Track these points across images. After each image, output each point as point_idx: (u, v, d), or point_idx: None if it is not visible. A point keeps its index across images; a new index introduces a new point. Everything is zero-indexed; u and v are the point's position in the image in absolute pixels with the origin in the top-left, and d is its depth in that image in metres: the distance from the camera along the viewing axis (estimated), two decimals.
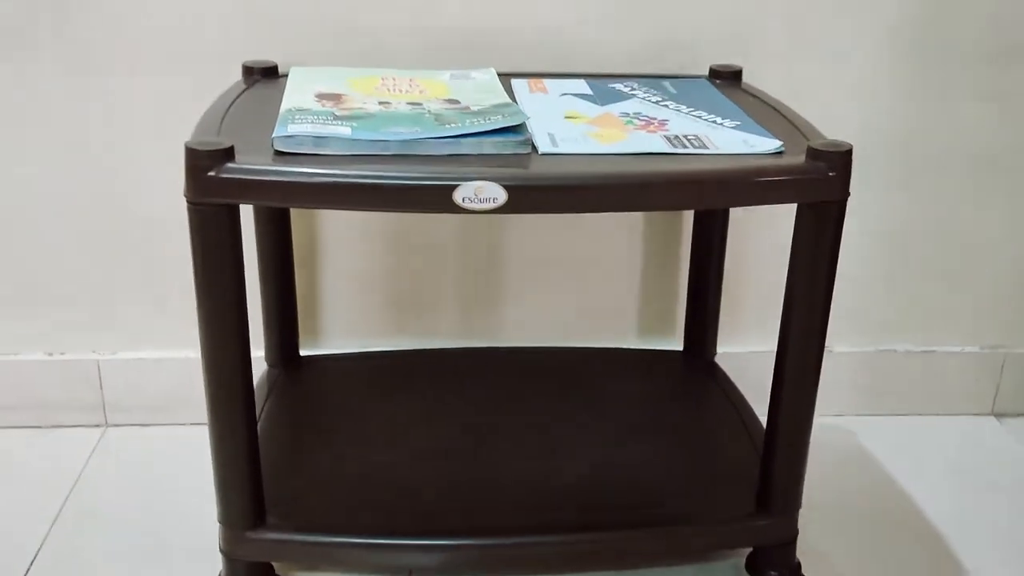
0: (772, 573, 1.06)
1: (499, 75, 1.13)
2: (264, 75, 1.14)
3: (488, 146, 0.90)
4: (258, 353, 1.13)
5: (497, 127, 0.91)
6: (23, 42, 1.19)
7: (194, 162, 0.84)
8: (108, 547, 1.14)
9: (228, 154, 0.84)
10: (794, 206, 0.92)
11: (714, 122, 1.00)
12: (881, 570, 1.14)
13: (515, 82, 1.14)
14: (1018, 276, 1.39)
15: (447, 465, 1.10)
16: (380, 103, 0.99)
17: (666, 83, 1.15)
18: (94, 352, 1.34)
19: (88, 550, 1.14)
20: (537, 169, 0.87)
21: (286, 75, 1.11)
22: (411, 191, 0.85)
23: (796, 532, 1.05)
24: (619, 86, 1.13)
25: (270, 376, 1.26)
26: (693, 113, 1.03)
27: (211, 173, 0.84)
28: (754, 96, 1.12)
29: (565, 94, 1.09)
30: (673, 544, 1.04)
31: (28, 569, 1.10)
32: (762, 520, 1.03)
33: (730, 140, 0.95)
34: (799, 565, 1.07)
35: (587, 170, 0.87)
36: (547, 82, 1.14)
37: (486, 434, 1.15)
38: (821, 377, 1.39)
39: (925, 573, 1.14)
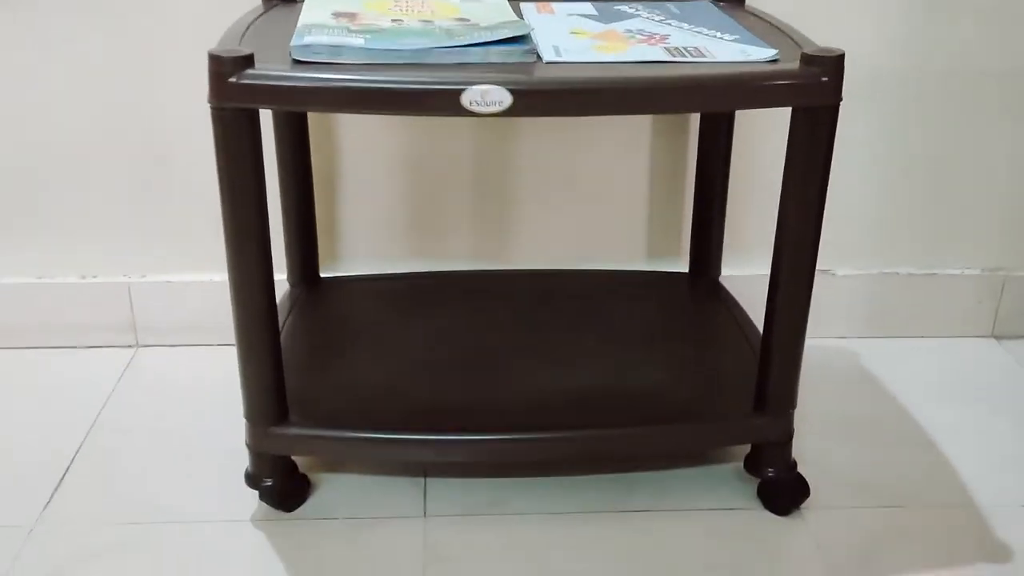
0: (769, 470, 1.11)
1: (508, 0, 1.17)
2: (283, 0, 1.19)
3: (494, 55, 0.95)
4: (280, 276, 1.19)
5: (503, 37, 0.96)
6: None
7: (217, 68, 0.89)
8: (141, 452, 1.21)
9: (248, 61, 0.90)
10: None
11: (714, 36, 1.04)
12: (876, 474, 1.19)
13: (524, 5, 1.18)
14: (1019, 200, 1.43)
15: (461, 373, 1.15)
16: (393, 20, 1.04)
17: (670, 5, 1.19)
18: (125, 276, 1.40)
19: (122, 454, 1.20)
20: (541, 74, 0.91)
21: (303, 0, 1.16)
22: (421, 95, 0.89)
23: (791, 431, 1.09)
24: (624, 7, 1.17)
25: (292, 295, 1.32)
26: (694, 29, 1.07)
27: (232, 79, 0.89)
28: (756, 16, 1.15)
29: (571, 14, 1.13)
30: (677, 440, 1.09)
31: (65, 472, 1.17)
32: (759, 418, 1.08)
33: (728, 51, 0.99)
34: (795, 463, 1.12)
35: (589, 75, 0.91)
36: (554, 4, 1.18)
37: (498, 347, 1.21)
38: (825, 300, 1.45)
39: (920, 477, 1.19)
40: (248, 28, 1.05)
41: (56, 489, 1.14)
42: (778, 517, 1.11)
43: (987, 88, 1.36)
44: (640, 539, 1.07)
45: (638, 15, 1.13)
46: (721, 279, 1.37)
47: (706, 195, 1.33)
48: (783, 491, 1.11)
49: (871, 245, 1.44)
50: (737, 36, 1.04)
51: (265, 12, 1.14)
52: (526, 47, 0.95)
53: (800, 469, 1.12)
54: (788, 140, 0.97)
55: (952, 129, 1.38)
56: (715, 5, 1.20)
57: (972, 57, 1.34)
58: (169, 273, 1.40)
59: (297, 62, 0.92)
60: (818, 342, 1.45)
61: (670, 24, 1.09)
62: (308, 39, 0.94)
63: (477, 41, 0.95)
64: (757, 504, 1.13)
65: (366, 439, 1.05)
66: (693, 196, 1.35)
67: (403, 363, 1.17)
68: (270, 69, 0.90)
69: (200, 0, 1.26)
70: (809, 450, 1.21)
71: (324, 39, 0.94)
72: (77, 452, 1.21)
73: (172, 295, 1.40)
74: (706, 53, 0.98)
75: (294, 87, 0.90)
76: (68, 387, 1.34)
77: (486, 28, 1.00)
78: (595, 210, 1.40)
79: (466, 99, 0.89)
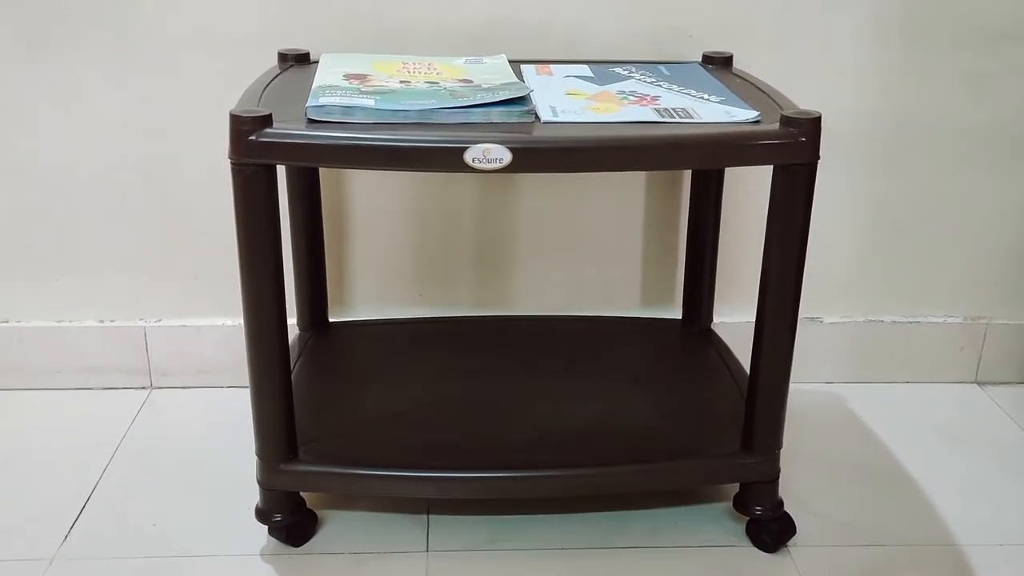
0: (757, 509, 1.16)
1: (509, 62, 1.25)
2: (297, 61, 1.26)
3: (496, 115, 1.02)
4: (291, 321, 1.25)
5: (504, 99, 1.03)
6: (78, 35, 1.32)
7: (237, 127, 0.96)
8: (155, 488, 1.26)
9: (267, 120, 0.97)
10: None
11: (702, 98, 1.11)
12: (860, 513, 1.24)
13: (524, 67, 1.25)
14: (999, 250, 1.49)
15: (461, 413, 1.21)
16: (401, 82, 1.11)
17: (661, 67, 1.26)
18: (141, 320, 1.46)
19: (137, 490, 1.25)
20: (539, 134, 0.98)
21: (317, 62, 1.24)
22: (427, 152, 0.96)
23: (778, 470, 1.15)
24: (618, 69, 1.24)
25: (302, 339, 1.38)
26: (683, 91, 1.14)
27: (252, 137, 0.96)
28: (742, 78, 1.23)
29: (569, 75, 1.21)
30: (667, 477, 1.15)
31: (83, 508, 1.22)
32: (746, 458, 1.13)
33: (714, 112, 1.06)
34: (781, 502, 1.17)
35: (584, 134, 0.98)
36: (553, 67, 1.26)
37: (498, 389, 1.27)
38: (812, 346, 1.50)
39: (902, 516, 1.23)
40: (265, 89, 1.12)
41: (74, 524, 1.19)
42: (765, 554, 1.16)
43: (967, 142, 1.43)
44: (630, 575, 1.12)
45: (631, 76, 1.20)
46: (713, 326, 1.43)
47: (698, 246, 1.40)
48: (770, 529, 1.16)
49: (857, 293, 1.50)
50: (723, 98, 1.11)
51: (280, 73, 1.21)
52: (525, 108, 1.02)
53: (787, 508, 1.17)
54: (770, 195, 1.03)
55: (933, 184, 1.45)
56: (704, 67, 1.27)
57: (951, 113, 1.41)
58: (183, 318, 1.46)
59: (312, 121, 0.99)
60: (806, 386, 1.51)
61: (660, 86, 1.16)
62: (323, 100, 1.01)
63: (479, 102, 1.02)
64: (746, 541, 1.17)
65: (371, 476, 1.11)
66: (685, 247, 1.42)
67: (407, 404, 1.23)
68: (287, 128, 0.97)
69: (219, 61, 1.33)
70: (796, 490, 1.26)
71: (337, 100, 1.01)
72: (94, 489, 1.26)
73: (185, 339, 1.46)
74: (693, 114, 1.05)
75: (309, 144, 0.97)
76: (85, 427, 1.39)
77: (488, 89, 1.07)
78: (592, 260, 1.47)
79: (469, 156, 0.96)
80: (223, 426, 1.39)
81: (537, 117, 1.03)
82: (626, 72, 1.23)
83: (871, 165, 1.43)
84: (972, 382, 1.55)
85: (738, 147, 1.00)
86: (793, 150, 1.00)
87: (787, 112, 1.01)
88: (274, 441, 1.09)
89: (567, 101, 1.09)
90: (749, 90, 1.16)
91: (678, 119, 1.03)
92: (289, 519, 1.14)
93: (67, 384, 1.48)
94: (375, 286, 1.47)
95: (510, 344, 1.39)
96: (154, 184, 1.40)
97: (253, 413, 1.09)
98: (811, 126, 0.99)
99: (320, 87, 1.06)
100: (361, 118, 1.00)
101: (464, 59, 1.25)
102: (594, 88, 1.15)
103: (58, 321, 1.46)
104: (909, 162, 1.43)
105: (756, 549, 1.16)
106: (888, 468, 1.34)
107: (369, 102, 1.01)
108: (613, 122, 1.02)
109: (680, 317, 1.45)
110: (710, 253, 1.39)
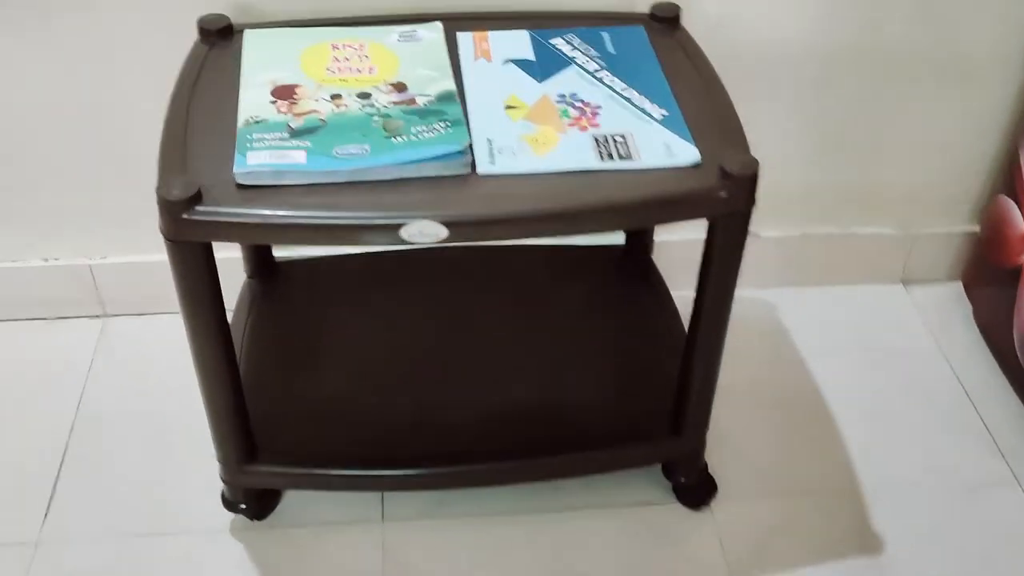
0: (682, 478, 1.27)
1: (445, 26, 1.18)
2: (220, 36, 1.18)
3: (430, 169, 0.99)
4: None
5: (438, 154, 1.00)
6: None
7: (167, 209, 0.94)
8: (126, 444, 1.34)
9: (196, 198, 0.94)
10: None
11: (642, 115, 1.07)
12: (775, 459, 1.36)
13: (460, 37, 1.19)
14: (932, 164, 1.51)
15: (411, 387, 1.27)
16: (332, 97, 1.07)
17: (604, 35, 1.20)
18: (86, 258, 1.47)
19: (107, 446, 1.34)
20: (473, 204, 0.97)
21: (240, 31, 1.17)
22: (363, 229, 0.96)
23: (703, 447, 1.25)
24: (560, 42, 1.18)
25: (250, 288, 1.40)
26: (624, 94, 1.10)
27: (184, 215, 0.94)
28: (687, 56, 1.17)
29: (508, 61, 1.15)
30: (597, 465, 1.25)
31: (56, 479, 1.31)
32: (674, 441, 1.23)
33: (654, 147, 1.03)
34: (706, 466, 1.28)
35: (518, 205, 0.97)
36: (491, 37, 1.19)
37: (445, 348, 1.32)
38: (748, 259, 1.55)
39: (814, 459, 1.36)
40: (189, 108, 1.06)
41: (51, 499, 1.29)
42: (689, 511, 1.29)
43: (903, 61, 1.40)
44: (565, 537, 1.25)
45: (573, 61, 1.15)
46: (653, 253, 1.46)
47: None
48: (694, 491, 1.28)
49: (792, 210, 1.53)
50: (665, 111, 1.08)
51: (203, 62, 1.14)
52: (461, 161, 1.00)
53: (710, 441, 1.25)
54: (705, 242, 1.05)
55: (870, 102, 1.43)
56: (648, 38, 1.21)
57: (892, 32, 1.37)
58: (128, 255, 1.47)
59: (243, 187, 0.97)
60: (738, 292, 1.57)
61: (603, 81, 1.12)
62: (251, 158, 0.97)
63: (413, 159, 0.99)
64: (673, 498, 1.30)
65: (331, 476, 1.20)
66: None
67: (358, 378, 1.28)
68: (218, 206, 0.95)
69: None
70: (722, 423, 1.34)
71: (266, 159, 0.97)
72: (65, 452, 1.34)
73: (134, 272, 1.48)
74: (632, 151, 1.02)
75: (242, 223, 0.95)
76: (44, 362, 1.45)
77: (424, 114, 1.03)
78: None
79: (405, 233, 0.95)
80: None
81: (473, 168, 1.00)
82: (569, 48, 1.17)
83: (810, 82, 1.41)
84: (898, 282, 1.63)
85: (674, 207, 1.00)
86: (729, 203, 1.00)
87: (726, 165, 0.99)
88: (233, 447, 1.16)
89: (504, 127, 1.05)
90: (692, 86, 1.12)
91: (617, 162, 1.01)
92: (253, 504, 1.24)
93: (17, 315, 1.50)
94: None
95: (456, 280, 1.42)
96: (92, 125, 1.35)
97: (209, 425, 1.14)
98: (748, 184, 0.99)
99: (247, 124, 1.02)
100: (293, 180, 0.98)
101: (398, 33, 1.18)
102: (534, 90, 1.11)
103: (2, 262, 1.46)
104: (848, 81, 1.41)
105: (681, 505, 1.29)
106: (806, 395, 1.44)
107: (300, 156, 0.98)
108: (551, 172, 1.00)
109: (624, 244, 1.48)
110: None
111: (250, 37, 1.17)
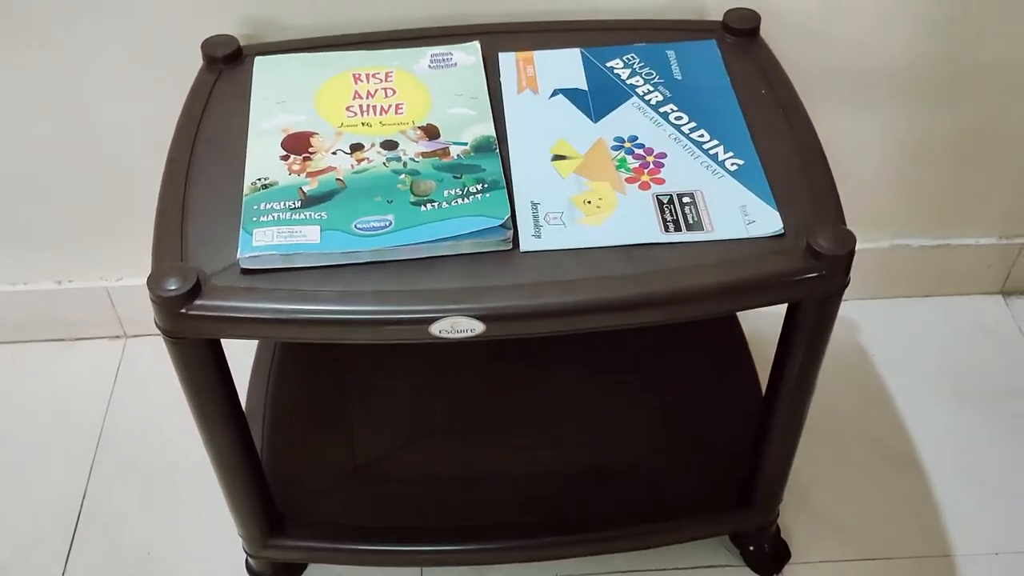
0: (751, 547, 1.14)
1: (483, 47, 1.03)
2: (227, 61, 1.03)
3: (464, 246, 0.85)
4: None
5: (473, 230, 0.85)
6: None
7: (162, 304, 0.82)
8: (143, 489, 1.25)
9: (195, 291, 0.81)
10: None
11: (714, 161, 0.91)
12: (857, 514, 1.22)
13: (503, 58, 1.03)
14: None
15: (445, 459, 1.14)
16: (352, 149, 0.92)
17: (670, 54, 1.03)
18: (102, 279, 1.36)
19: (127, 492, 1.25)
20: (514, 294, 0.82)
21: (251, 57, 1.02)
22: (384, 325, 0.82)
23: (776, 518, 1.11)
24: (617, 66, 1.02)
25: (271, 341, 1.26)
26: (693, 136, 0.94)
27: (182, 310, 0.82)
28: (767, 80, 1.00)
29: (556, 93, 0.99)
30: (659, 539, 1.12)
31: (75, 526, 1.22)
32: (744, 513, 1.09)
33: (727, 210, 0.87)
34: (778, 532, 1.15)
35: (566, 295, 0.82)
36: (537, 60, 1.03)
37: (484, 407, 1.18)
38: None
39: (901, 515, 1.22)
40: (189, 164, 0.93)
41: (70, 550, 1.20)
42: None
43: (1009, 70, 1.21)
44: None
45: (633, 91, 0.99)
46: None
47: None
48: (765, 559, 1.15)
49: (884, 221, 1.36)
50: (740, 160, 0.91)
51: (209, 99, 1.00)
52: (501, 236, 0.85)
53: (786, 495, 1.12)
54: (784, 321, 0.90)
55: (968, 113, 1.25)
56: (720, 52, 1.04)
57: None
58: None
59: (248, 271, 0.84)
60: None
61: (668, 118, 0.96)
62: (257, 237, 0.84)
63: (445, 236, 0.84)
64: (741, 561, 1.17)
65: (361, 551, 1.08)
66: None
67: (385, 437, 1.15)
68: (220, 299, 0.82)
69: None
70: (798, 471, 1.21)
71: (274, 239, 0.84)
72: (85, 493, 1.25)
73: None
74: (702, 218, 0.87)
75: (251, 319, 0.82)
76: (67, 383, 1.36)
77: (460, 170, 0.89)
78: None
79: (435, 329, 0.82)
80: None
81: (515, 242, 0.86)
82: (627, 73, 1.01)
83: (907, 95, 1.22)
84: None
85: (753, 293, 0.84)
86: (819, 286, 0.84)
87: (818, 240, 0.83)
88: (255, 523, 1.05)
89: (552, 182, 0.90)
90: (772, 122, 0.95)
91: (685, 234, 0.85)
92: (280, 572, 1.14)
93: (36, 336, 1.41)
94: None
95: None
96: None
97: (228, 504, 1.03)
98: (843, 264, 0.83)
99: (253, 192, 0.88)
100: (306, 263, 0.84)
101: (429, 57, 1.02)
102: (587, 133, 0.95)
103: (13, 284, 1.35)
104: (947, 92, 1.23)
105: (751, 572, 1.17)
106: (892, 439, 1.29)
107: (313, 234, 0.84)
108: (605, 247, 0.85)
109: None
110: None
111: (261, 66, 1.02)
